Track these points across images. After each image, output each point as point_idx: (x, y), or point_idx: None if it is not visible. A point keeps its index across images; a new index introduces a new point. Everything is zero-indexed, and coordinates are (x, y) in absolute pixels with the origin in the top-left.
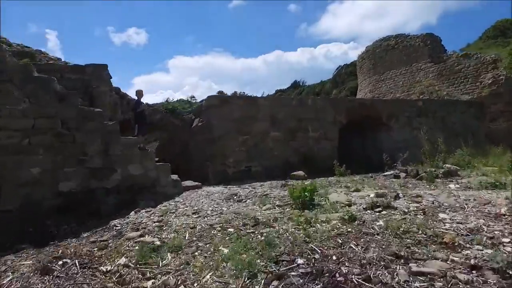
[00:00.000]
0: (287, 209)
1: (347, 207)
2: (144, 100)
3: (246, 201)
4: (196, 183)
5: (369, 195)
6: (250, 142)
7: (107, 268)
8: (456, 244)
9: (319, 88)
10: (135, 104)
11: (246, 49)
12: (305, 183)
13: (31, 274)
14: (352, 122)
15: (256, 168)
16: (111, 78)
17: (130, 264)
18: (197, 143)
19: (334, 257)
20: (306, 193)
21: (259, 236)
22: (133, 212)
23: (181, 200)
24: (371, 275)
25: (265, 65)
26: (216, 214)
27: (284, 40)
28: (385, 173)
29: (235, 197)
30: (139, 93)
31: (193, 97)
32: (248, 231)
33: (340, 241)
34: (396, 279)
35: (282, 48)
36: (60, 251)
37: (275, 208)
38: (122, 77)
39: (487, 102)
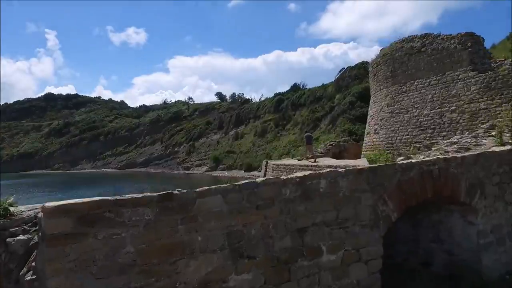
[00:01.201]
0: None
1: None
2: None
3: None
4: None
5: None
6: None
7: None
8: None
9: (320, 91)
10: None
11: (246, 49)
12: None
13: None
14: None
15: None
16: None
17: None
18: None
19: None
20: None
21: None
22: None
23: None
24: None
25: (265, 65)
26: None
27: (284, 40)
28: None
29: None
30: None
31: (191, 98)
32: None
33: None
34: None
35: (282, 48)
36: None
37: None
38: (122, 77)
39: None
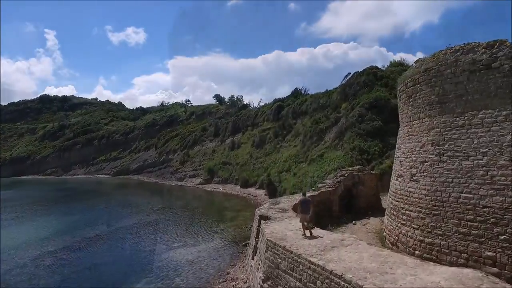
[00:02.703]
0: None
1: None
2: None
3: None
4: None
5: None
6: None
7: None
8: None
9: (324, 99)
10: None
11: (246, 49)
12: None
13: None
14: None
15: None
16: None
17: None
18: None
19: None
20: None
21: None
22: None
23: None
24: None
25: (265, 65)
26: None
27: (284, 40)
28: None
29: None
30: None
31: (188, 100)
32: None
33: None
34: None
35: (282, 48)
36: None
37: None
38: (122, 78)
39: None
